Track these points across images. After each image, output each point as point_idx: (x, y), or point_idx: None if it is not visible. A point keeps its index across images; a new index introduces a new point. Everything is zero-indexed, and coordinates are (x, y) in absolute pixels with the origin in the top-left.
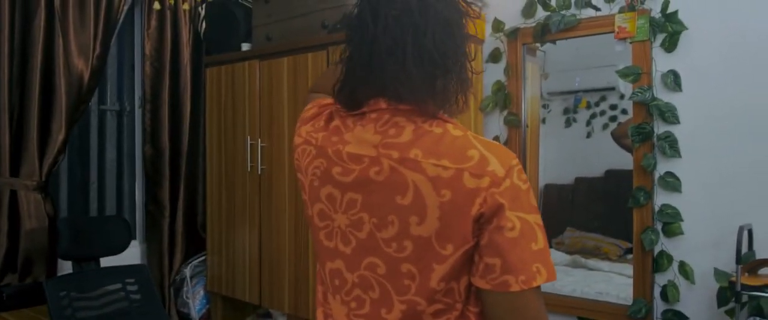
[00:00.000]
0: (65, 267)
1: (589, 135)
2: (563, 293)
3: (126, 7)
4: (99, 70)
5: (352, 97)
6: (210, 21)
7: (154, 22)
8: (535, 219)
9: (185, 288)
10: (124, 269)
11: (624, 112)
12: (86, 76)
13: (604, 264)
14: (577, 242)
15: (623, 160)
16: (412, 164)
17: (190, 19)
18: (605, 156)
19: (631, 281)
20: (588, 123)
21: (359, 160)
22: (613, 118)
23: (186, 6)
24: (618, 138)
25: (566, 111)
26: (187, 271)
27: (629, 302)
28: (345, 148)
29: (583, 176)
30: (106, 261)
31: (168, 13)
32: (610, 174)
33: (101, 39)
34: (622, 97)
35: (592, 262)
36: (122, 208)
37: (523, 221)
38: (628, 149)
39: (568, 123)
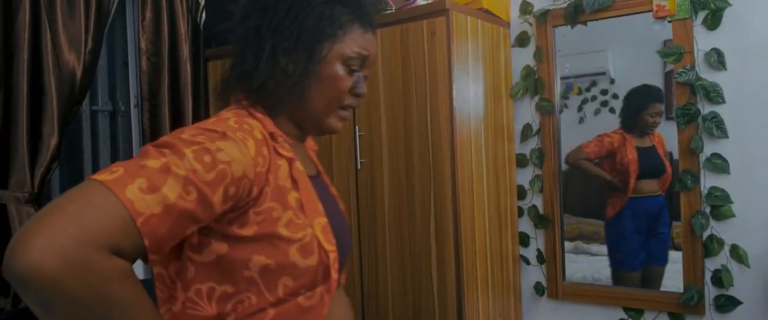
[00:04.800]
0: None
1: (581, 120)
2: (574, 280)
3: None
4: (92, 66)
5: None
6: (209, 11)
7: (148, 14)
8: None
9: None
10: None
11: (615, 96)
12: (79, 73)
13: (606, 249)
14: (575, 228)
15: None
16: None
17: (188, 10)
18: None
19: None
20: (579, 109)
21: None
22: (604, 103)
23: None
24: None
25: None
26: None
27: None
28: None
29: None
30: None
31: (164, 4)
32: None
33: (93, 32)
34: (612, 81)
35: (594, 247)
36: None
37: (147, 150)
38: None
39: (560, 109)
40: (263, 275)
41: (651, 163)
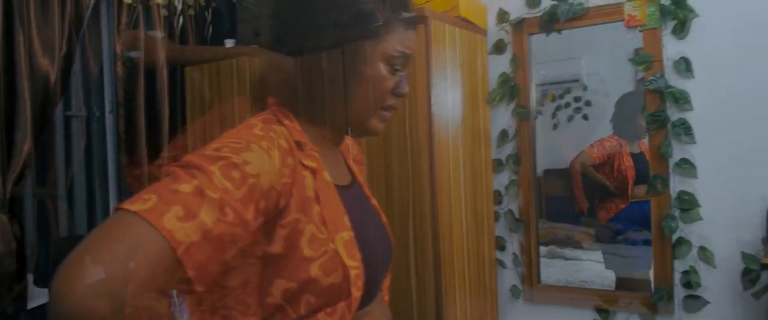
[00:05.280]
0: (35, 294)
1: (555, 127)
2: (550, 283)
3: (93, 0)
4: (67, 70)
5: None
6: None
7: (124, 18)
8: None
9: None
10: None
11: (588, 103)
12: (53, 77)
13: (580, 253)
14: (549, 233)
15: None
16: None
17: (165, 15)
18: (571, 147)
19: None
20: (553, 115)
21: None
22: (577, 110)
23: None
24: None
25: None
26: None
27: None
28: None
29: (551, 168)
30: None
31: (140, 7)
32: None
33: (68, 36)
34: (585, 88)
35: (568, 252)
36: (95, 225)
37: (175, 173)
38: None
39: (535, 116)
40: (286, 297)
41: (643, 169)
